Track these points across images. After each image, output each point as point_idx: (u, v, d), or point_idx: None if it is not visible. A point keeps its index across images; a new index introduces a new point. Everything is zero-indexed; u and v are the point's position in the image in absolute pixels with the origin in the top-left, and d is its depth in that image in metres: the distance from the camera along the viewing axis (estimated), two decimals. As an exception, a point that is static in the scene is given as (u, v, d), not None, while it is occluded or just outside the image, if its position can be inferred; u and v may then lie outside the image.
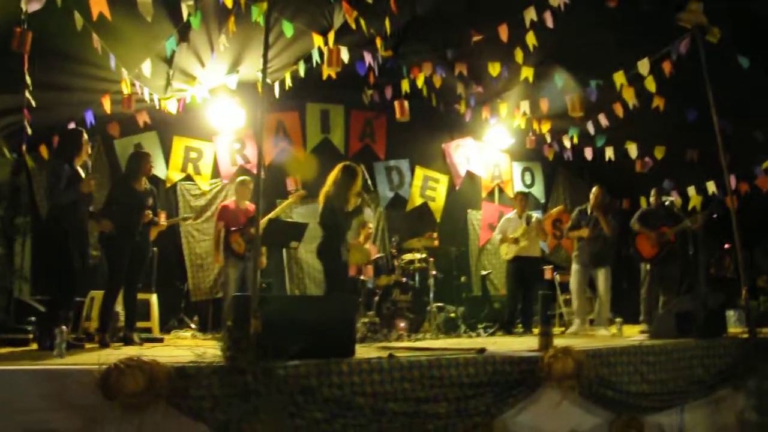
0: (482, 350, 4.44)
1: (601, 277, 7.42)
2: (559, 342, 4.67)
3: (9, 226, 7.74)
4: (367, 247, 8.45)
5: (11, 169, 7.81)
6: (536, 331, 7.79)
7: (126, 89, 6.56)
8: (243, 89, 8.13)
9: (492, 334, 7.47)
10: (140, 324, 7.12)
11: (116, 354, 4.20)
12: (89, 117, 7.00)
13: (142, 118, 7.81)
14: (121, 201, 5.74)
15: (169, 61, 6.62)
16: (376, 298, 7.29)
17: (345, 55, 6.73)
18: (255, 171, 8.81)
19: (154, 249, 7.53)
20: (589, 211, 7.59)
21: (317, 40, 6.57)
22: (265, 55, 4.60)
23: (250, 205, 7.34)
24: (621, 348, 4.67)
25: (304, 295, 6.58)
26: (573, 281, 7.61)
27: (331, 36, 6.58)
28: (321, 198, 6.01)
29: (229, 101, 8.34)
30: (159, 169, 8.52)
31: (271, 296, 4.92)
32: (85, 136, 5.42)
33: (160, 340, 6.46)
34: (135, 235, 5.77)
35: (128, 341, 5.78)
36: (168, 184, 8.57)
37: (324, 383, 3.89)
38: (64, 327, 4.19)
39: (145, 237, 5.97)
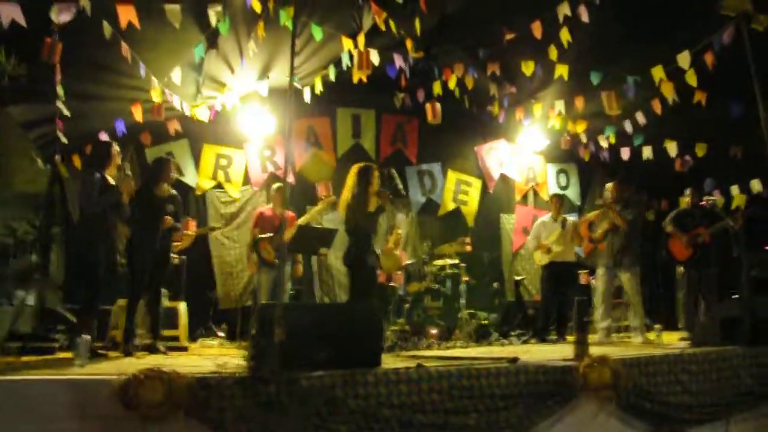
0: (514, 359, 4.28)
1: (627, 280, 6.87)
2: (595, 350, 4.48)
3: (45, 236, 7.86)
4: (397, 252, 8.33)
5: (48, 180, 7.95)
6: (571, 338, 7.57)
7: (156, 97, 6.57)
8: (274, 95, 8.08)
9: (525, 342, 7.25)
10: (168, 332, 7.10)
11: (138, 364, 4.18)
12: (120, 126, 7.05)
13: (173, 127, 7.83)
14: (141, 207, 5.72)
15: (198, 68, 6.60)
16: (407, 306, 7.16)
17: (375, 57, 6.64)
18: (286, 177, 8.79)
19: (183, 257, 7.57)
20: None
21: (347, 43, 6.49)
22: (291, 59, 4.57)
23: (287, 212, 7.29)
24: (660, 356, 4.46)
25: (330, 303, 6.49)
26: (597, 285, 7.27)
27: (361, 39, 6.49)
28: (341, 207, 5.89)
29: (260, 108, 8.31)
30: (189, 177, 8.56)
31: (296, 304, 4.84)
32: (116, 147, 5.45)
33: (185, 349, 6.43)
34: (155, 241, 5.75)
35: (153, 350, 5.77)
36: (198, 192, 8.58)
37: (349, 394, 3.79)
38: (86, 336, 4.16)
39: (166, 244, 5.93)
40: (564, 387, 4.10)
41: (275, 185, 7.45)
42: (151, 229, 5.75)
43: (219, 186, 8.71)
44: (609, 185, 7.15)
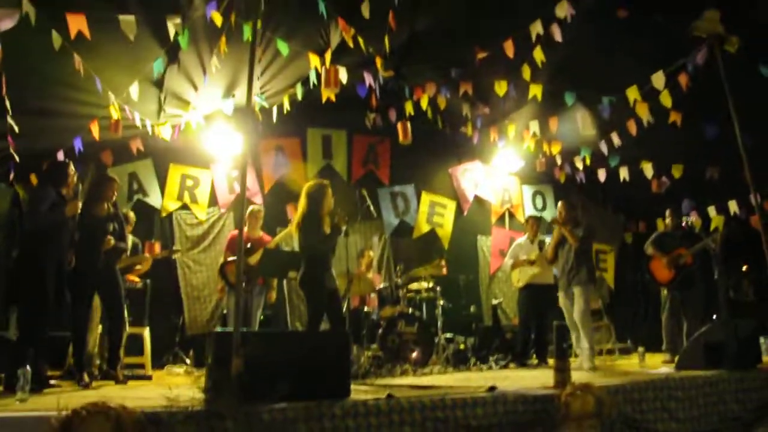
0: (492, 388, 4.03)
1: (578, 296, 6.48)
2: (577, 377, 4.24)
3: (6, 258, 7.48)
4: (370, 276, 8.07)
5: (10, 200, 7.58)
6: (552, 362, 7.35)
7: (115, 114, 6.27)
8: (240, 114, 7.83)
9: (504, 367, 7.02)
10: (133, 360, 6.82)
11: (87, 396, 3.84)
12: (78, 144, 6.71)
13: (135, 145, 7.53)
14: (80, 228, 5.41)
15: (159, 84, 6.33)
16: (380, 331, 6.87)
17: (343, 75, 6.43)
18: (254, 199, 8.53)
19: (147, 281, 7.24)
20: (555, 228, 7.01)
21: (313, 60, 6.27)
22: (250, 73, 4.33)
23: (264, 236, 7.04)
24: (646, 382, 4.24)
25: (293, 330, 6.17)
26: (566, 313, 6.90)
27: (328, 56, 6.28)
28: (293, 229, 5.59)
29: (226, 127, 8.04)
30: (154, 198, 8.26)
31: (256, 332, 4.53)
32: (72, 168, 5.15)
33: (149, 378, 6.07)
34: (96, 263, 5.42)
35: (114, 378, 5.44)
36: (164, 214, 8.27)
37: (314, 429, 3.52)
38: (28, 368, 3.81)
39: (110, 266, 5.60)
40: (545, 417, 3.85)
41: (251, 208, 7.18)
42: (91, 251, 5.42)
43: (185, 207, 8.41)
44: (559, 206, 7.02)
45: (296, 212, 5.68)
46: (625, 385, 4.15)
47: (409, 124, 7.57)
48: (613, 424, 3.90)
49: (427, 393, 4.06)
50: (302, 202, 5.58)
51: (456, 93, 7.29)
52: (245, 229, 6.99)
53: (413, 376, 5.97)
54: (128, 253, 6.34)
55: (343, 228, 5.74)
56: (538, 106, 7.51)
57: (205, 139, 8.17)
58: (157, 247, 7.43)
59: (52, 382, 5.06)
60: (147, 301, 7.20)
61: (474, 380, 5.20)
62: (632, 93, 6.53)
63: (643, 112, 6.68)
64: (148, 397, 4.01)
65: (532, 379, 5.20)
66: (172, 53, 5.71)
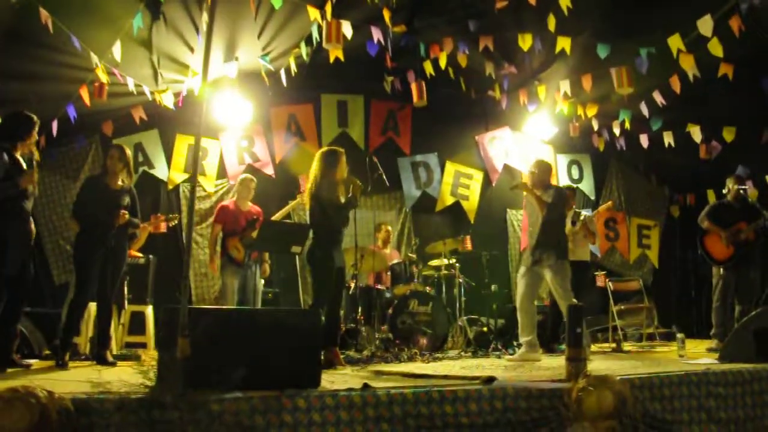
0: (490, 379, 3.42)
1: (551, 279, 5.55)
2: (595, 367, 3.59)
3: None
4: (387, 251, 7.51)
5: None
6: (595, 347, 6.67)
7: (103, 78, 5.82)
8: (247, 80, 7.34)
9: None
10: (135, 338, 6.48)
11: (29, 380, 3.39)
12: (71, 112, 6.30)
13: (138, 114, 7.13)
14: (91, 199, 5.04)
15: (146, 44, 5.84)
16: (390, 311, 6.31)
17: (347, 30, 5.82)
18: (265, 170, 8.05)
19: (151, 256, 6.87)
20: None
21: (312, 12, 5.69)
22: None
23: (252, 207, 6.53)
24: (680, 376, 3.55)
25: (254, 308, 5.65)
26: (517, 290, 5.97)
27: (329, 7, 5.68)
28: (306, 197, 5.10)
29: (234, 94, 7.54)
30: (160, 170, 7.86)
31: (208, 309, 4.00)
32: (36, 120, 4.65)
33: (137, 358, 5.67)
34: (107, 238, 5.03)
35: (101, 360, 5.05)
36: (170, 186, 7.86)
37: (273, 423, 3.01)
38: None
39: (120, 241, 5.20)
40: (552, 416, 3.23)
41: (241, 176, 6.70)
42: (102, 227, 5.02)
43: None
44: (531, 164, 6.05)
45: (308, 181, 5.19)
46: (654, 378, 3.47)
47: (424, 85, 6.91)
48: (636, 425, 3.24)
49: (417, 383, 3.48)
50: (315, 167, 5.14)
51: (476, 49, 6.58)
52: (234, 199, 6.63)
53: (421, 361, 5.39)
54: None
55: (360, 198, 5.24)
56: (569, 63, 6.75)
57: (213, 108, 7.70)
58: (163, 222, 7.06)
59: (27, 362, 4.69)
60: (150, 277, 6.88)
61: (484, 369, 4.60)
62: (675, 42, 5.73)
63: (689, 64, 5.85)
64: (107, 381, 3.51)
65: (549, 368, 4.57)
66: (153, 6, 5.18)
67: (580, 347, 3.52)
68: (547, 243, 5.58)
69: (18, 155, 4.55)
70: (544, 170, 5.83)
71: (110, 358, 5.10)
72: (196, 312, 3.13)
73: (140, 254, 6.81)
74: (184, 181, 7.91)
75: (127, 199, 5.20)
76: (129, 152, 5.27)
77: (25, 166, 4.56)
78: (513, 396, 3.26)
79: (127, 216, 5.12)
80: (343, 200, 5.10)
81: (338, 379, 3.77)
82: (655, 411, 3.40)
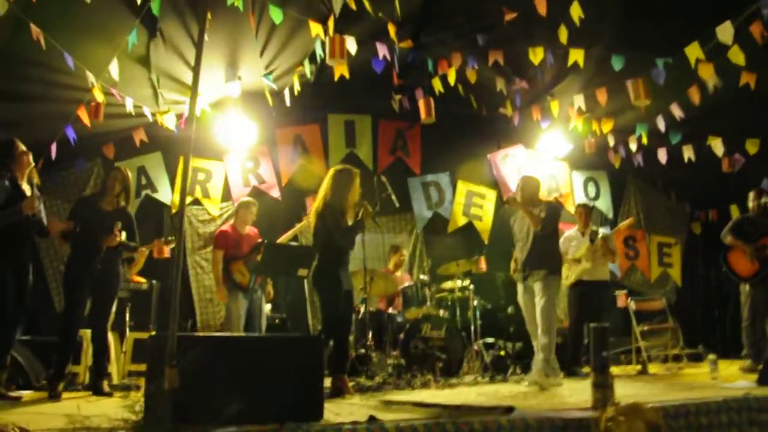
0: (509, 409, 3.12)
1: (538, 291, 5.26)
2: (621, 392, 3.29)
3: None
4: (398, 275, 7.24)
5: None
6: (617, 370, 6.32)
7: (99, 98, 5.66)
8: (251, 100, 7.17)
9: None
10: (139, 367, 6.22)
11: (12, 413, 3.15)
12: (71, 133, 6.13)
13: (138, 136, 6.97)
14: (82, 220, 4.90)
15: (145, 62, 5.68)
16: (401, 335, 6.02)
17: (352, 45, 5.63)
18: (271, 192, 7.85)
19: (154, 282, 6.66)
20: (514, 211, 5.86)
21: (315, 28, 5.51)
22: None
23: (251, 230, 6.32)
24: (717, 402, 3.24)
25: (250, 335, 5.39)
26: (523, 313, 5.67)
27: (331, 22, 5.51)
28: (312, 215, 4.88)
29: (237, 115, 7.37)
30: (164, 193, 7.68)
31: (199, 337, 3.75)
32: (22, 147, 4.51)
33: (139, 388, 5.42)
34: (95, 260, 4.85)
35: (96, 391, 4.81)
36: (174, 210, 7.66)
37: (271, 462, 2.71)
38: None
39: (110, 265, 5.01)
40: (577, 448, 2.93)
41: (243, 200, 6.52)
42: (89, 249, 4.84)
43: (196, 202, 7.78)
44: (520, 181, 5.85)
45: (317, 199, 4.96)
46: (689, 405, 3.16)
47: (432, 102, 6.68)
48: (671, 458, 2.94)
49: (429, 414, 3.19)
50: (326, 186, 4.94)
51: (485, 63, 6.37)
52: (232, 222, 6.42)
53: (435, 388, 5.11)
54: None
55: (368, 224, 5.00)
56: (581, 76, 6.52)
57: (217, 129, 7.53)
58: (166, 249, 6.87)
59: (14, 394, 4.46)
60: (153, 303, 6.67)
61: (502, 395, 4.30)
62: (693, 51, 5.48)
63: (708, 74, 5.60)
64: (89, 415, 3.26)
65: (579, 392, 4.26)
66: (149, 22, 5.01)
67: (607, 372, 3.22)
68: (539, 259, 5.34)
69: (23, 182, 4.42)
70: (531, 186, 5.63)
71: (107, 389, 4.88)
72: (185, 340, 2.88)
73: (143, 279, 6.61)
74: (188, 205, 7.71)
75: (119, 223, 5.01)
76: (131, 176, 5.14)
77: (29, 192, 4.43)
78: (535, 427, 2.98)
79: (118, 239, 4.95)
80: (350, 223, 4.86)
81: (344, 410, 3.49)
82: (692, 442, 3.09)
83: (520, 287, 5.57)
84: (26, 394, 4.75)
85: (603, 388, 3.19)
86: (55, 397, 4.50)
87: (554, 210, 5.57)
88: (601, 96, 6.57)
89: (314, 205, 4.97)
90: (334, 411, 3.40)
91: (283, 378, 2.99)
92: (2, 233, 4.32)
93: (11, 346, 4.48)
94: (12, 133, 5.56)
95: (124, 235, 5.05)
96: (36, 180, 4.63)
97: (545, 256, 5.33)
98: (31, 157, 4.59)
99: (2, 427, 2.59)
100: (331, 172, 5.02)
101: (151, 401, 2.85)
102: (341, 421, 2.99)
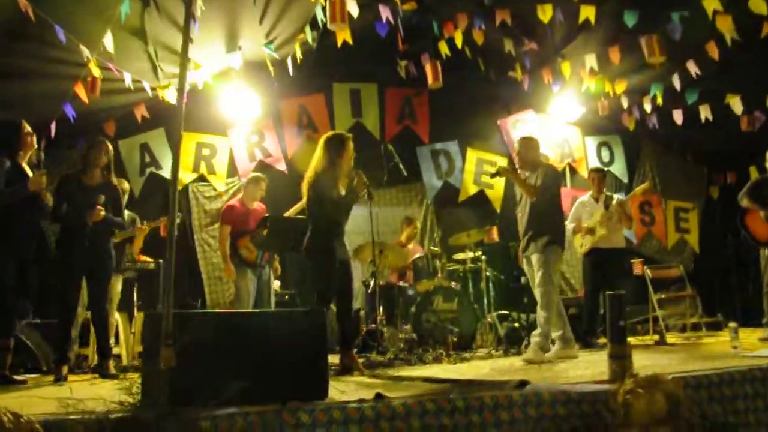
0: (522, 383, 2.98)
1: (536, 262, 4.96)
2: (639, 363, 3.14)
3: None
4: (410, 247, 7.11)
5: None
6: (634, 340, 6.15)
7: (96, 72, 5.50)
8: (254, 71, 6.98)
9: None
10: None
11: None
12: (69, 111, 5.99)
13: (140, 112, 6.82)
14: (67, 197, 4.73)
15: (140, 34, 5.49)
16: (413, 308, 5.90)
17: (353, 8, 5.42)
18: (277, 165, 7.69)
19: (161, 261, 6.55)
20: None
21: (314, -10, 5.31)
22: None
23: (259, 206, 6.18)
24: (741, 372, 3.08)
25: (250, 311, 5.25)
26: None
27: (332, -17, 5.30)
28: (304, 185, 4.66)
29: (241, 87, 7.19)
30: (168, 170, 7.51)
31: (197, 313, 3.62)
32: (28, 128, 4.39)
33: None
34: (83, 238, 4.69)
35: (103, 373, 4.73)
36: (179, 187, 7.49)
37: (273, 443, 2.59)
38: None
39: (100, 242, 4.86)
40: (596, 423, 2.79)
41: (252, 175, 6.38)
42: (77, 227, 4.71)
43: (202, 179, 7.66)
44: (516, 144, 5.46)
45: (308, 168, 4.72)
46: (711, 375, 3.00)
47: (439, 65, 6.47)
48: (693, 430, 2.78)
49: (439, 390, 3.06)
50: (317, 153, 4.65)
51: (493, 24, 6.12)
52: (240, 197, 6.29)
53: (447, 362, 4.98)
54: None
55: (362, 194, 4.77)
56: (594, 35, 6.26)
57: (220, 103, 7.36)
58: (163, 225, 6.76)
59: (20, 378, 4.39)
60: (161, 283, 6.56)
61: (516, 369, 4.17)
62: (710, 2, 5.22)
63: (726, 26, 5.34)
64: (93, 397, 3.14)
65: (594, 364, 4.12)
66: (140, -10, 4.83)
67: (624, 343, 3.06)
68: (537, 229, 5.01)
69: (23, 163, 4.30)
70: (529, 148, 5.24)
71: (113, 370, 4.78)
72: (182, 317, 2.75)
73: (149, 258, 6.51)
74: (192, 181, 7.60)
75: (102, 197, 4.83)
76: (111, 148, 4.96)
77: (30, 173, 4.31)
78: (549, 402, 2.83)
79: (102, 214, 4.76)
80: (343, 193, 4.63)
81: (351, 388, 3.37)
82: (714, 414, 2.93)
83: (524, 259, 5.26)
84: (32, 377, 4.68)
85: (620, 359, 3.03)
86: (60, 380, 4.42)
87: (553, 175, 5.19)
88: (614, 55, 6.34)
89: (306, 175, 4.74)
90: (340, 389, 3.28)
91: (284, 355, 2.86)
92: (5, 215, 4.20)
93: (13, 330, 4.39)
94: (10, 112, 5.48)
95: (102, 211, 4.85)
96: (42, 156, 4.50)
97: (543, 225, 5.00)
98: (35, 139, 4.46)
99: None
100: (322, 140, 4.74)
101: (147, 383, 2.74)
102: (346, 399, 2.87)
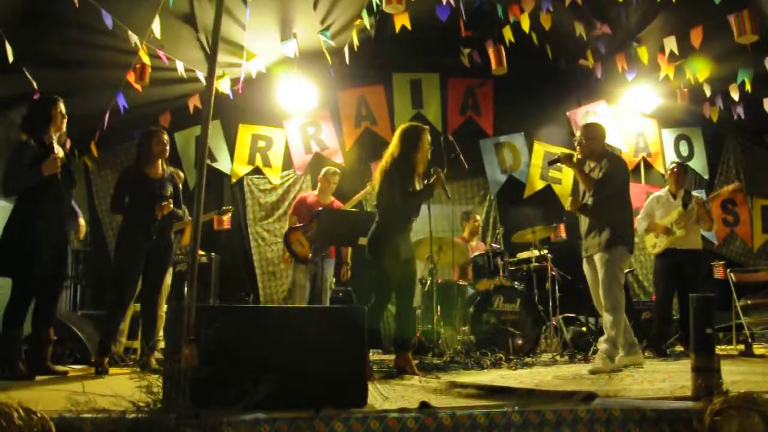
0: (590, 396, 2.60)
1: (597, 264, 4.51)
2: (727, 378, 2.70)
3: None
4: (473, 244, 6.75)
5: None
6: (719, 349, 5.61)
7: (146, 59, 5.40)
8: (310, 60, 6.78)
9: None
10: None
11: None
12: (121, 101, 5.92)
13: (193, 103, 6.74)
14: (129, 191, 4.65)
15: (191, 21, 5.35)
16: (471, 309, 5.53)
17: (410, -11, 5.13)
18: (333, 158, 7.47)
19: (214, 254, 6.46)
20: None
21: (368, -28, 5.04)
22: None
23: (335, 202, 6.02)
24: None
25: (281, 305, 4.95)
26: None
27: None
28: (376, 176, 4.40)
29: (297, 77, 7.01)
30: (224, 163, 7.44)
31: (224, 308, 3.36)
32: (62, 106, 4.25)
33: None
34: (150, 232, 4.60)
35: (145, 367, 4.59)
36: (234, 179, 7.43)
37: (303, 453, 2.32)
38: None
39: (165, 236, 4.75)
40: (676, 447, 2.39)
41: (324, 169, 6.17)
42: (143, 221, 4.61)
43: (257, 171, 7.53)
44: (578, 133, 4.90)
45: (383, 158, 4.45)
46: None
47: (503, 50, 6.08)
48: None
49: (494, 402, 2.71)
50: (393, 143, 4.42)
51: (562, 5, 5.69)
52: (315, 193, 6.12)
53: (507, 368, 4.60)
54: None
55: (438, 191, 4.47)
56: (673, 14, 5.73)
57: (276, 94, 7.21)
58: (226, 219, 6.67)
59: (61, 369, 4.28)
60: (213, 276, 6.48)
61: (582, 378, 3.76)
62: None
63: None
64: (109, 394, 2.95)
65: (669, 375, 3.67)
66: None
67: (712, 354, 2.63)
68: (601, 225, 4.50)
69: (54, 142, 4.16)
70: (593, 136, 4.69)
71: (154, 365, 4.62)
72: (208, 311, 2.51)
73: (202, 252, 6.41)
74: (248, 174, 7.47)
75: (170, 189, 4.75)
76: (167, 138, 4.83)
77: (61, 153, 4.17)
78: (620, 419, 2.44)
79: (171, 206, 4.67)
80: (418, 188, 4.37)
81: (396, 394, 3.06)
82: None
83: (584, 259, 4.76)
84: (77, 369, 4.59)
85: (707, 372, 2.60)
86: (100, 372, 4.31)
87: (619, 165, 4.67)
88: (696, 37, 5.77)
89: (380, 165, 4.47)
90: (383, 394, 2.98)
91: (320, 356, 2.58)
92: (38, 195, 4.06)
93: (52, 320, 4.28)
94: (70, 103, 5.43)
95: (171, 204, 4.77)
96: (64, 138, 4.34)
97: (607, 220, 4.49)
98: (65, 123, 4.31)
99: (5, 406, 2.31)
100: (399, 129, 4.51)
101: (168, 382, 2.51)
102: (387, 407, 2.57)
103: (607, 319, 4.45)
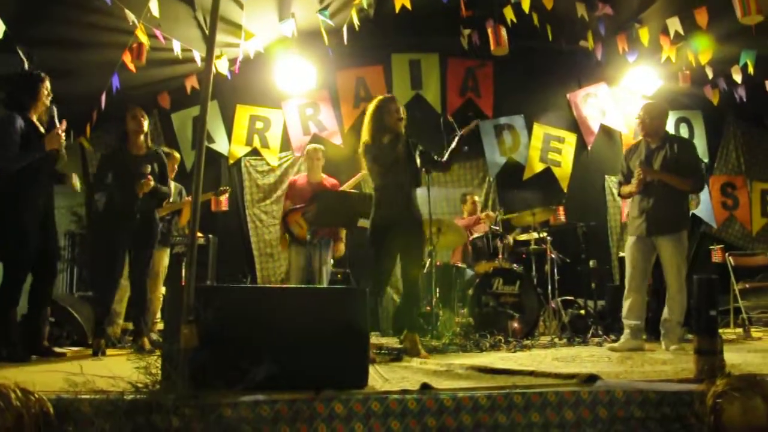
0: (591, 378, 2.59)
1: (666, 252, 4.47)
2: (729, 362, 2.69)
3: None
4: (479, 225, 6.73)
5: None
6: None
7: (143, 39, 5.32)
8: (308, 40, 6.69)
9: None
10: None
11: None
12: (115, 82, 5.85)
13: (190, 83, 6.67)
14: (112, 169, 4.62)
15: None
16: (470, 291, 5.52)
17: (411, -33, 5.04)
18: (332, 139, 7.42)
19: (211, 236, 6.42)
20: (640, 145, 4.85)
21: (368, -48, 4.95)
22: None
23: (325, 180, 5.96)
24: None
25: (281, 286, 4.92)
26: (626, 263, 4.81)
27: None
28: (360, 153, 4.35)
29: (295, 58, 6.93)
30: (221, 144, 7.38)
31: (223, 288, 3.32)
32: (47, 82, 4.17)
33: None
34: (132, 211, 4.57)
35: (138, 348, 4.58)
36: (231, 161, 7.38)
37: (303, 434, 2.31)
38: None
39: (148, 214, 4.72)
40: (676, 429, 2.38)
41: (309, 146, 6.12)
42: (126, 199, 4.56)
43: (255, 153, 7.47)
44: (641, 111, 4.78)
45: (361, 137, 4.40)
46: (821, 377, 2.53)
47: (503, 30, 6.00)
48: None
49: (495, 383, 2.70)
50: (366, 121, 4.34)
51: (564, -16, 5.63)
52: (304, 173, 6.07)
53: (506, 350, 4.60)
54: (171, 199, 5.47)
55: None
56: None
57: (274, 74, 7.13)
58: (224, 200, 6.62)
59: (60, 350, 4.27)
60: (211, 258, 6.44)
61: (582, 360, 3.76)
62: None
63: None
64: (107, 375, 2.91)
65: (666, 361, 3.66)
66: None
67: (716, 336, 2.61)
68: (673, 211, 4.47)
69: (34, 119, 4.09)
70: (656, 115, 4.64)
71: (148, 346, 4.63)
72: (207, 291, 2.48)
73: (200, 233, 6.37)
74: (246, 155, 7.42)
75: (149, 167, 4.67)
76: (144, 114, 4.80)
77: (42, 129, 4.10)
78: (623, 401, 2.43)
79: (152, 183, 4.61)
80: (385, 142, 4.22)
81: (397, 376, 3.04)
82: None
83: (631, 238, 4.69)
84: (74, 350, 4.57)
85: (710, 355, 2.58)
86: (97, 353, 4.30)
87: (695, 149, 4.69)
88: (701, 16, 5.69)
89: (361, 141, 4.42)
90: (384, 376, 2.97)
91: (320, 337, 2.56)
92: (24, 177, 4.00)
93: (48, 299, 4.25)
94: (61, 83, 5.35)
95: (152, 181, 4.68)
96: (54, 110, 4.25)
97: (680, 207, 4.52)
98: (49, 99, 4.23)
99: (3, 387, 2.29)
100: (370, 106, 4.41)
101: (167, 363, 2.49)
102: (388, 389, 2.55)
103: (677, 299, 4.41)
